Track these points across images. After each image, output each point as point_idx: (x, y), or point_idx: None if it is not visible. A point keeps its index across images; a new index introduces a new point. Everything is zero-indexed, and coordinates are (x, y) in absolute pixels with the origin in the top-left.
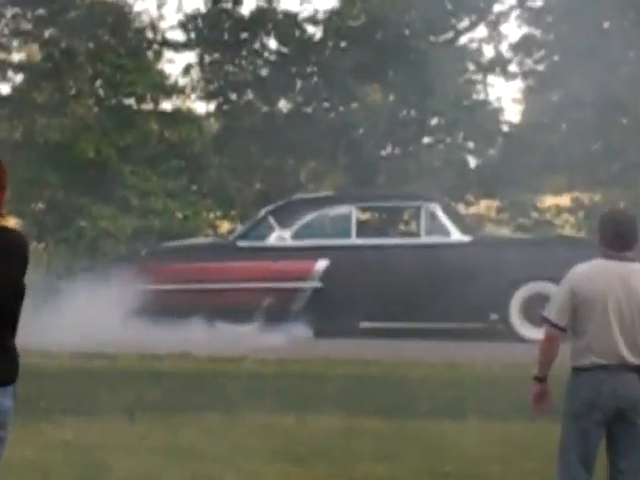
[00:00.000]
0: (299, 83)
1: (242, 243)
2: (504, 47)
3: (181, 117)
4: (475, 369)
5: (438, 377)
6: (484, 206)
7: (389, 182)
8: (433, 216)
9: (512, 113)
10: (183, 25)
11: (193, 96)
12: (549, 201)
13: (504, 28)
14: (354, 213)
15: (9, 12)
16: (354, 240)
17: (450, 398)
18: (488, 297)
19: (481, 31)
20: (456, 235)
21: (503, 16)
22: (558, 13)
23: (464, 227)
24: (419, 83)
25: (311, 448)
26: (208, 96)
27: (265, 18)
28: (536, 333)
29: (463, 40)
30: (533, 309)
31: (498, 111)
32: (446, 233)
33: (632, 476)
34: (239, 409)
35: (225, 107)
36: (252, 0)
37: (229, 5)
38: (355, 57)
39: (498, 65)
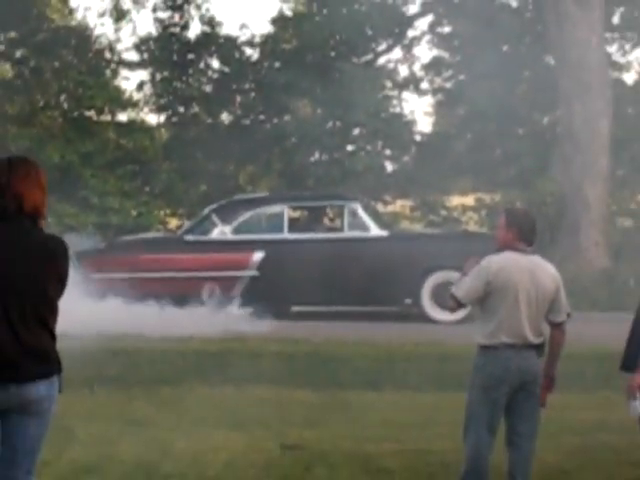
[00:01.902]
0: (239, 98)
1: (188, 237)
2: (417, 67)
3: (135, 127)
4: (391, 346)
5: (359, 354)
6: (399, 205)
7: (318, 184)
8: (354, 214)
9: (424, 124)
10: (137, 47)
11: (146, 109)
12: (456, 201)
13: (417, 51)
14: (286, 211)
15: None
16: (286, 235)
17: (369, 372)
18: (403, 284)
19: (397, 53)
20: (375, 230)
21: (416, 40)
22: (464, 38)
23: (382, 223)
24: (343, 98)
25: (249, 416)
26: (159, 109)
27: (209, 41)
28: (444, 315)
29: (381, 61)
30: (441, 294)
31: (412, 123)
32: (366, 229)
33: (528, 438)
34: (186, 382)
35: (174, 119)
36: (197, 25)
37: (177, 30)
38: (287, 76)
39: (412, 83)
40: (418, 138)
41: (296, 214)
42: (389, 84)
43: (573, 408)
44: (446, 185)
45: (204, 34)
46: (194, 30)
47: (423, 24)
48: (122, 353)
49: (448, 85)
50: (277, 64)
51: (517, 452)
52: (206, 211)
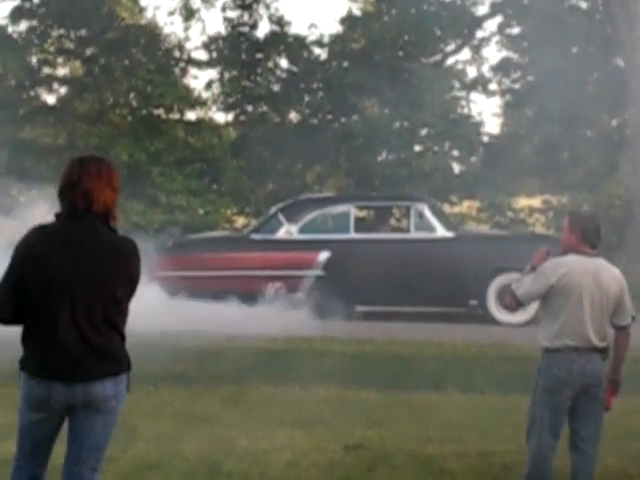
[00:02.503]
0: (307, 97)
1: (255, 236)
2: (485, 68)
3: (203, 126)
4: (456, 348)
5: (424, 354)
6: (466, 206)
7: (385, 184)
8: (421, 214)
9: (492, 126)
10: (206, 46)
11: (214, 107)
12: (522, 202)
13: (486, 52)
14: (352, 211)
15: (55, 33)
16: (352, 235)
17: (433, 373)
18: (468, 285)
19: (465, 54)
20: (441, 231)
21: (485, 41)
22: (533, 39)
23: (448, 224)
24: (411, 98)
25: (313, 416)
26: (227, 108)
27: (277, 41)
28: (509, 317)
29: (450, 61)
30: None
31: (479, 124)
32: (432, 229)
33: (591, 442)
34: (250, 380)
35: (242, 117)
36: (266, 24)
37: (246, 29)
38: (355, 75)
39: (480, 84)
40: (485, 139)
41: (362, 214)
42: (457, 85)
43: (639, 413)
44: (513, 187)
45: (273, 33)
46: (263, 29)
47: (492, 25)
48: (187, 351)
49: (516, 86)
50: (345, 64)
51: (580, 456)
52: (273, 210)
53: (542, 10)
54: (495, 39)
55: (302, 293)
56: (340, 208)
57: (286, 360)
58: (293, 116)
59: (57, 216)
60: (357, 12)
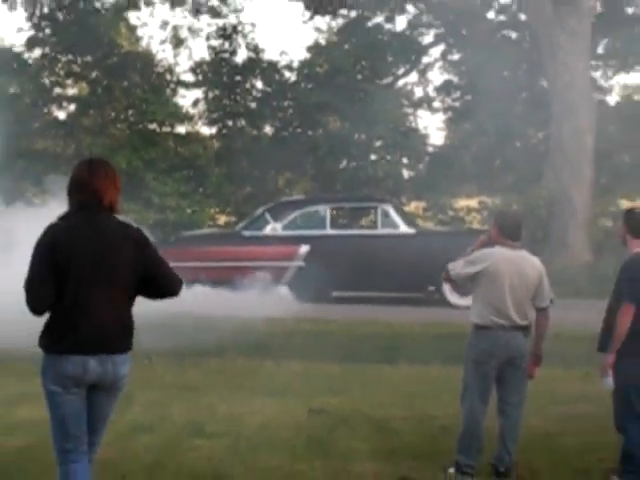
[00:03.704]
0: (279, 114)
1: (245, 232)
2: (430, 89)
3: (191, 138)
4: (404, 326)
5: (377, 333)
6: (414, 206)
7: (345, 188)
8: (386, 214)
9: (436, 138)
10: (193, 70)
11: (200, 122)
12: (462, 203)
13: (430, 75)
14: (328, 211)
15: (64, 58)
16: (328, 231)
17: (385, 348)
18: (426, 274)
19: (413, 77)
20: (403, 228)
21: (429, 66)
22: (470, 64)
23: (409, 222)
24: (367, 115)
25: (281, 385)
26: (211, 122)
27: (254, 65)
28: (462, 301)
29: (400, 83)
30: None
31: (425, 136)
32: (396, 226)
33: (516, 406)
34: (231, 356)
35: (224, 131)
36: (244, 52)
37: (227, 55)
38: (320, 95)
39: (425, 102)
40: (430, 149)
41: (336, 213)
42: (406, 103)
43: (558, 381)
44: (454, 189)
45: (250, 59)
46: (241, 55)
47: (436, 52)
48: (176, 329)
49: (457, 104)
50: (311, 85)
51: (507, 419)
52: (260, 211)
53: (478, 39)
54: (438, 64)
55: (285, 281)
56: (317, 208)
57: (260, 338)
58: (267, 130)
59: (69, 212)
60: (322, 41)
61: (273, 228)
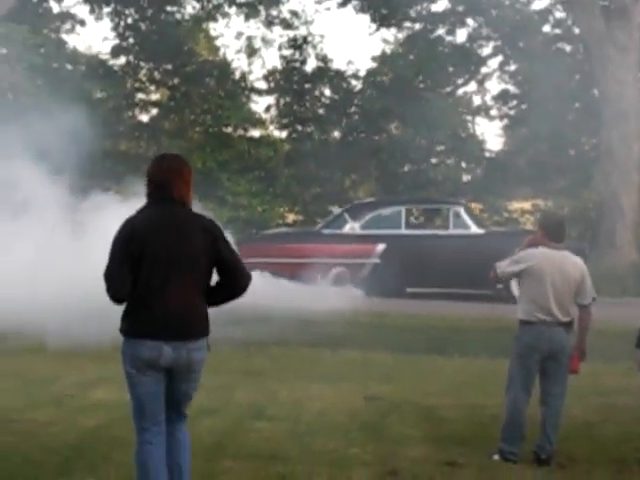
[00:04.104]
0: (344, 120)
1: (325, 231)
2: (488, 98)
3: (263, 141)
4: (456, 321)
5: (432, 325)
6: (471, 207)
7: (406, 190)
8: (458, 215)
9: (493, 144)
10: (265, 77)
11: (271, 127)
12: (516, 205)
13: (488, 84)
14: (403, 212)
15: (146, 66)
16: (403, 231)
17: (438, 340)
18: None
19: (472, 86)
20: (474, 229)
21: (488, 76)
22: (526, 75)
23: (479, 223)
24: (428, 121)
25: (339, 373)
26: (281, 127)
27: (322, 74)
28: None
29: (459, 92)
30: None
31: (482, 142)
32: (466, 227)
33: (558, 398)
34: (293, 345)
35: (293, 135)
36: (313, 61)
37: (297, 64)
38: (384, 102)
39: (483, 110)
40: (487, 154)
41: (411, 214)
42: (465, 111)
43: (601, 375)
44: (509, 192)
45: (318, 68)
46: (311, 65)
47: (494, 63)
48: (244, 319)
49: (512, 112)
50: (375, 93)
51: (549, 409)
52: (339, 211)
53: (534, 51)
54: (496, 74)
55: (363, 277)
56: (393, 209)
57: (323, 329)
58: (334, 134)
59: (145, 205)
60: (387, 51)
61: (351, 227)
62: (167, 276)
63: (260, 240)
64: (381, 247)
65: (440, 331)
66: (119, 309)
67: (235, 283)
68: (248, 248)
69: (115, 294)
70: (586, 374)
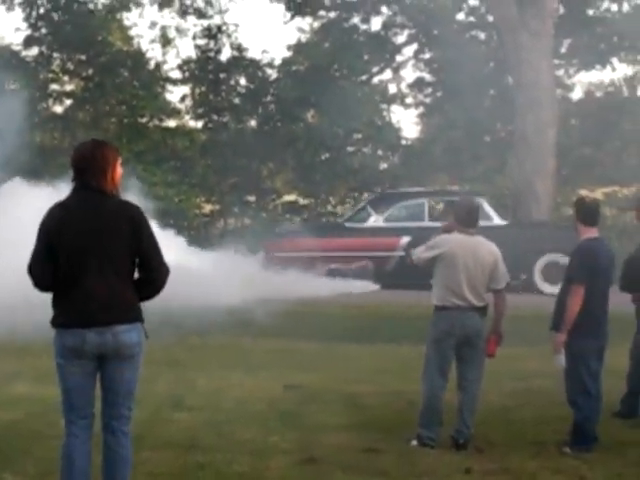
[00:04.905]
0: (260, 109)
1: (349, 224)
2: (403, 85)
3: (178, 131)
4: (391, 309)
5: (355, 314)
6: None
7: (323, 178)
8: (481, 207)
9: (409, 132)
10: (180, 67)
11: (187, 117)
12: None
13: (403, 72)
14: (426, 204)
15: (60, 56)
16: (427, 223)
17: (363, 327)
18: (519, 263)
19: (387, 74)
20: (497, 220)
21: (403, 64)
22: (441, 63)
23: (502, 215)
24: (344, 110)
25: (259, 362)
26: (197, 117)
27: (237, 63)
28: (552, 288)
29: (375, 80)
30: (550, 272)
31: (398, 130)
32: (490, 219)
33: (474, 382)
34: (212, 334)
35: (209, 125)
36: (228, 50)
37: (212, 54)
38: (299, 91)
39: (399, 98)
40: (404, 142)
41: (434, 206)
42: (381, 99)
43: (518, 359)
44: (426, 180)
45: (234, 57)
46: (225, 54)
47: (409, 51)
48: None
49: (428, 100)
50: (291, 82)
51: (465, 394)
52: (362, 203)
53: (448, 39)
54: (411, 62)
55: (387, 270)
56: (417, 201)
57: (244, 317)
58: (250, 124)
59: (71, 191)
60: (303, 40)
61: (375, 220)
62: (86, 264)
63: (285, 236)
64: (405, 240)
65: (365, 319)
66: (44, 302)
67: (151, 279)
68: (274, 244)
69: (37, 284)
70: (503, 358)
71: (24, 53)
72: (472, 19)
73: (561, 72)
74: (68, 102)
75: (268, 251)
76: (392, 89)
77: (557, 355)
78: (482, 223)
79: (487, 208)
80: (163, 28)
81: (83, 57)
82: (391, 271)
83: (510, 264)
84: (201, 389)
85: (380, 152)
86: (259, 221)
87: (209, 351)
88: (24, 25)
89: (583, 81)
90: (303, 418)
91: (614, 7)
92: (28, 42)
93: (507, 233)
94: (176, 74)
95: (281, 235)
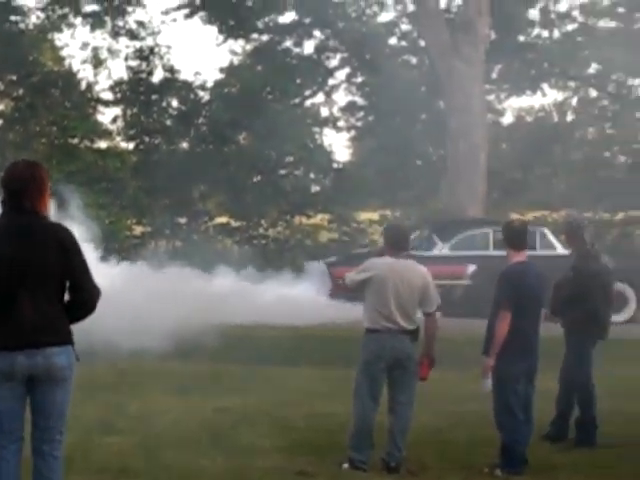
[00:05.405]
0: (192, 131)
1: (414, 252)
2: (335, 109)
3: (109, 153)
4: (320, 331)
5: (285, 337)
6: (319, 218)
7: (255, 201)
8: (544, 236)
9: (341, 155)
10: (112, 88)
11: (118, 138)
12: (364, 216)
13: (336, 96)
14: (491, 233)
15: None
16: (492, 252)
17: (293, 350)
18: None
19: (320, 98)
20: (560, 249)
21: (335, 88)
22: (373, 86)
23: (564, 244)
24: (276, 132)
25: (190, 385)
26: (129, 138)
27: (169, 85)
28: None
29: (307, 103)
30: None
31: (330, 153)
32: (553, 248)
33: (406, 406)
34: (140, 357)
35: (141, 146)
36: (160, 72)
37: (144, 75)
38: (232, 113)
39: (331, 121)
40: (336, 165)
41: (499, 235)
42: (313, 122)
43: (450, 382)
44: (357, 203)
45: (166, 79)
46: (158, 76)
47: (341, 75)
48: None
49: (360, 124)
50: (223, 104)
51: (396, 417)
52: (427, 232)
53: (381, 63)
54: (344, 86)
55: (454, 299)
56: (482, 230)
57: (171, 340)
58: (182, 146)
59: (2, 212)
60: (236, 62)
61: (440, 248)
62: (16, 287)
63: (348, 261)
64: (471, 269)
65: (296, 342)
66: None
67: (82, 300)
68: (338, 270)
69: None
70: (436, 381)
71: None
72: (404, 44)
73: (492, 97)
74: None
75: (335, 278)
76: (324, 112)
77: (484, 379)
78: (545, 252)
79: (550, 237)
80: (95, 49)
81: (14, 77)
82: (457, 300)
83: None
84: (131, 413)
85: (312, 175)
86: (190, 243)
87: (140, 374)
88: None
89: (514, 106)
90: (234, 441)
91: (545, 33)
92: None
93: (569, 261)
94: (108, 95)
95: (347, 262)
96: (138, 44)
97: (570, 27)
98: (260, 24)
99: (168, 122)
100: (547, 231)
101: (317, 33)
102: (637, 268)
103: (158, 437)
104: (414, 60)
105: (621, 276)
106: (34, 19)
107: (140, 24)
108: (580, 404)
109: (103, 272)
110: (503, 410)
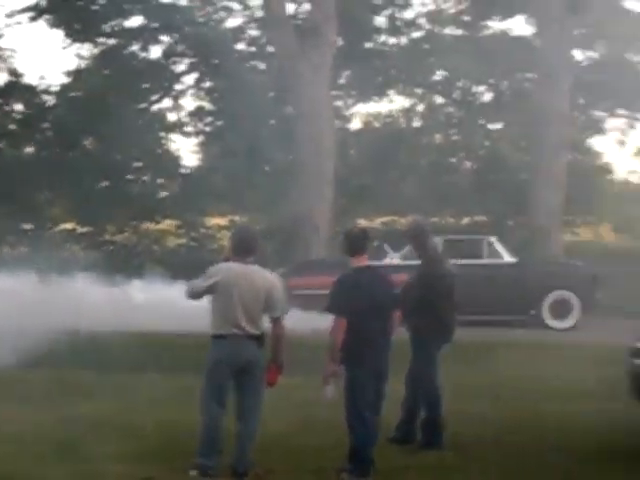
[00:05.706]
0: (37, 135)
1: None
2: (183, 114)
3: None
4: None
5: (133, 343)
6: (167, 224)
7: (101, 206)
8: (491, 245)
9: (189, 160)
10: None
11: None
12: (213, 221)
13: (183, 101)
14: (441, 243)
15: None
16: None
17: (144, 356)
18: (528, 299)
19: (167, 102)
20: (507, 258)
21: (182, 93)
22: (222, 92)
23: (512, 252)
24: (123, 137)
25: (34, 393)
26: None
27: (13, 88)
28: (561, 324)
29: (154, 108)
30: (557, 308)
31: (178, 158)
32: (500, 256)
33: (253, 411)
34: None
35: None
36: (4, 75)
37: None
38: (78, 118)
39: (178, 127)
40: (184, 170)
41: (447, 245)
42: (160, 127)
43: (298, 388)
44: (206, 208)
45: (9, 82)
46: (1, 79)
47: (189, 80)
48: None
49: (208, 129)
50: (70, 108)
51: (244, 422)
52: (378, 242)
53: (229, 68)
54: (191, 91)
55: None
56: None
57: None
58: (28, 150)
59: None
60: (82, 66)
61: (392, 258)
62: None
63: (304, 273)
64: None
65: (147, 348)
66: None
67: None
68: (295, 281)
69: None
70: (284, 387)
71: None
72: (253, 49)
73: (340, 103)
74: None
75: (290, 289)
76: (172, 117)
77: (325, 386)
78: (493, 260)
79: (498, 246)
80: None
81: None
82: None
83: (519, 300)
84: None
85: (160, 180)
86: (36, 250)
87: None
88: None
89: (361, 112)
90: (80, 449)
91: (392, 40)
92: None
93: (516, 270)
94: None
95: (302, 271)
96: None
97: (416, 34)
98: (107, 28)
99: (12, 126)
100: (494, 240)
101: (165, 38)
102: (580, 275)
103: (2, 447)
104: (263, 65)
105: (564, 284)
106: None
107: None
108: (426, 406)
109: None
110: (353, 413)
